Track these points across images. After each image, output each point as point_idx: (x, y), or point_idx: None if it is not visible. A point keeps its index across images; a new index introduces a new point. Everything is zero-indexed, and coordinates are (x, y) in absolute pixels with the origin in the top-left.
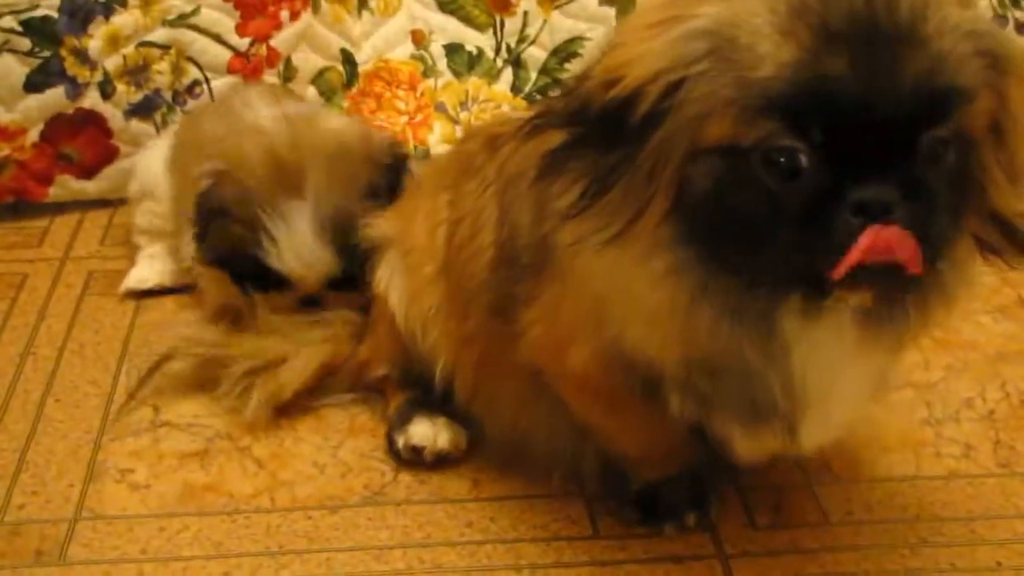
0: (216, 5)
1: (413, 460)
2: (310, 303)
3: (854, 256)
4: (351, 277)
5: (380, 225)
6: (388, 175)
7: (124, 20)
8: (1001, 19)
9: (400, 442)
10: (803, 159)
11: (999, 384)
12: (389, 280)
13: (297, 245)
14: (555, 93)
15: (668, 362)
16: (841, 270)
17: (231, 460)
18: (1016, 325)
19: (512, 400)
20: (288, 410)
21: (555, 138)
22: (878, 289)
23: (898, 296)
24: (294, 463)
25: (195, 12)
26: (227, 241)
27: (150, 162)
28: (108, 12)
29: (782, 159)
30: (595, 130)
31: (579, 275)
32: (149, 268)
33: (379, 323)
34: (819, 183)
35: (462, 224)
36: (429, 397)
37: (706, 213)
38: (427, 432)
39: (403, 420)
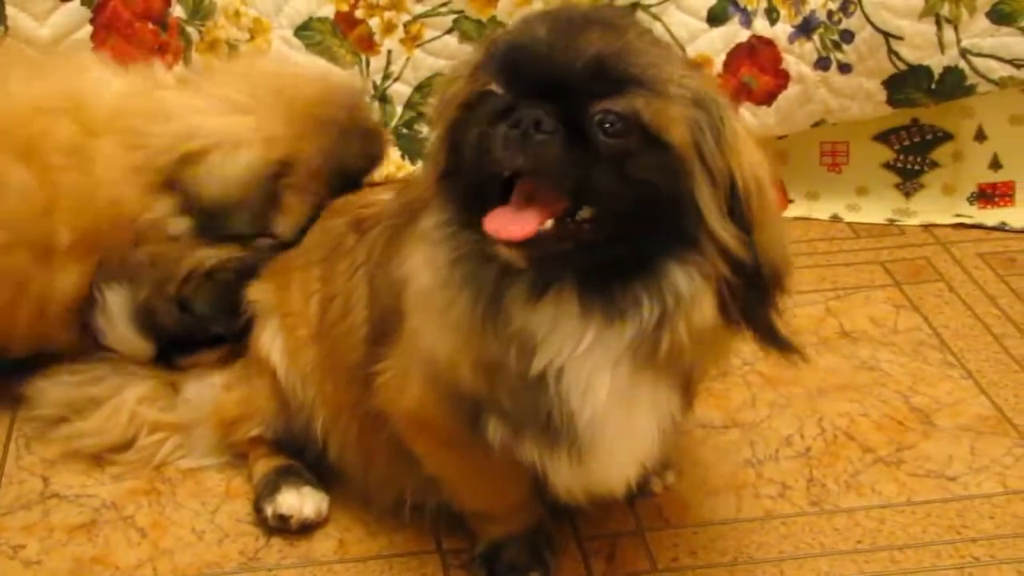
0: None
1: (280, 527)
2: None
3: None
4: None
5: (261, 295)
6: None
7: None
8: (824, 60)
9: (269, 511)
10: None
11: (816, 420)
12: (272, 343)
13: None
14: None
15: (459, 365)
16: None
17: (116, 530)
18: (837, 358)
19: (385, 456)
20: (167, 474)
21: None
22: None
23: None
24: (174, 530)
25: None
26: None
27: None
28: None
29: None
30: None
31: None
32: None
33: (255, 380)
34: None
35: (335, 301)
36: (297, 462)
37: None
38: (294, 502)
39: (271, 490)
